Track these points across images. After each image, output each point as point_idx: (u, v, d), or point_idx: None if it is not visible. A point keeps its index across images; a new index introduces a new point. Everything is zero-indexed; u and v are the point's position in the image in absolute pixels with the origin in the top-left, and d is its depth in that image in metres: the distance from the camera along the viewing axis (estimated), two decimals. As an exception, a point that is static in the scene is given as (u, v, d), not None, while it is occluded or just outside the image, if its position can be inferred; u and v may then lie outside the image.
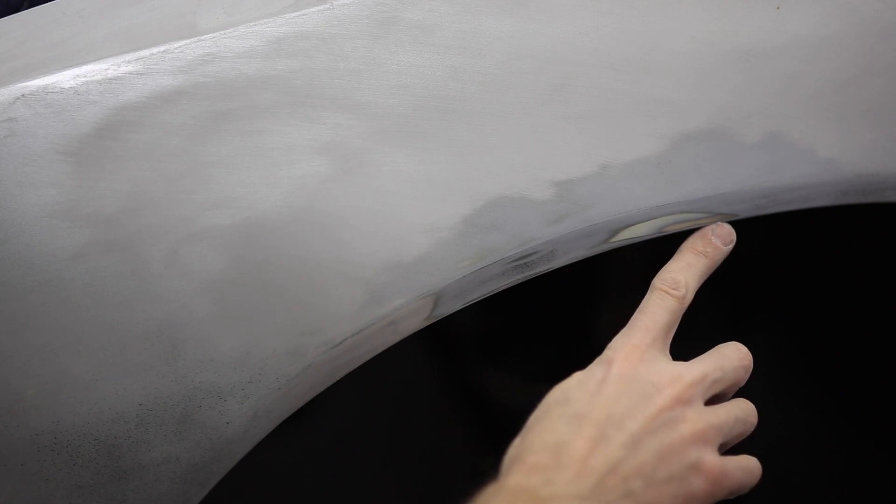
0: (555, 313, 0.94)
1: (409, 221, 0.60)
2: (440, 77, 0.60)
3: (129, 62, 0.57)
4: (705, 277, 0.62)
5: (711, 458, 0.53)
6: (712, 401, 0.57)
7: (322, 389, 0.62)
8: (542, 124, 0.62)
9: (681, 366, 0.56)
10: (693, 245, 0.63)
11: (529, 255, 0.63)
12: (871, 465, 1.02)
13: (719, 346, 0.59)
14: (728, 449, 0.57)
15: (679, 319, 0.59)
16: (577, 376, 0.56)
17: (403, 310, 0.61)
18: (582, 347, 0.96)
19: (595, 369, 0.56)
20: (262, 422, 0.61)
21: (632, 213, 0.64)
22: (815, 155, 0.67)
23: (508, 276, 0.64)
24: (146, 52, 0.57)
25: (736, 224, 0.69)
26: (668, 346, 0.58)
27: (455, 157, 0.60)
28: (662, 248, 0.70)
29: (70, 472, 0.59)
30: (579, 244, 0.64)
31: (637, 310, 0.59)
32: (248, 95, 0.58)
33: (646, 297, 0.60)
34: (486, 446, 0.92)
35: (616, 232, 0.65)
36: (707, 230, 0.64)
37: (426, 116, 0.60)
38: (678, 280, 0.60)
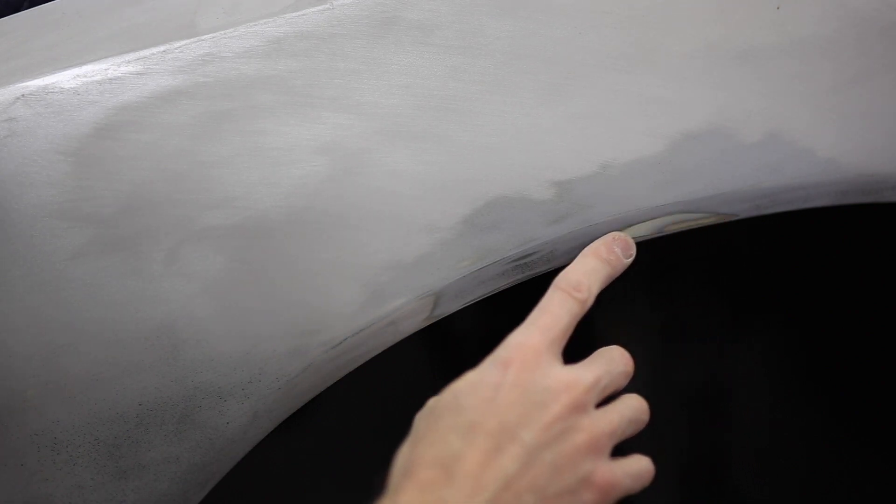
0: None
1: (409, 221, 0.60)
2: (440, 77, 0.60)
3: (129, 62, 0.57)
4: (605, 285, 0.60)
5: (603, 471, 0.53)
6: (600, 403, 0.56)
7: (322, 389, 0.62)
8: (542, 124, 0.62)
9: (574, 371, 0.55)
10: (597, 250, 0.61)
11: (529, 255, 0.63)
12: (872, 464, 1.02)
13: (603, 349, 0.58)
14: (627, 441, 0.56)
15: (576, 323, 0.57)
16: (470, 378, 0.54)
17: (403, 310, 0.61)
18: (582, 347, 0.96)
19: (490, 371, 0.53)
20: (262, 422, 0.61)
21: (632, 213, 0.64)
22: (815, 155, 0.67)
23: (508, 276, 0.64)
24: (146, 52, 0.57)
25: (736, 224, 0.68)
26: (562, 348, 0.56)
27: (455, 157, 0.60)
28: (662, 248, 0.70)
29: (70, 472, 0.59)
30: (579, 244, 0.64)
31: (536, 307, 0.57)
32: (248, 95, 0.58)
33: (546, 295, 0.57)
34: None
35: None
36: (609, 238, 0.62)
37: (426, 116, 0.60)
38: (582, 283, 0.58)
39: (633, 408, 0.57)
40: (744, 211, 0.68)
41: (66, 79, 0.56)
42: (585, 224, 0.63)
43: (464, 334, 0.88)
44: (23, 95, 0.55)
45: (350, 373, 0.63)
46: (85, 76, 0.56)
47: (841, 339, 0.96)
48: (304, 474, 0.87)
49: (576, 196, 0.63)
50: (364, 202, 0.59)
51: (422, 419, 0.54)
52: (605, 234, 0.64)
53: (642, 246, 0.67)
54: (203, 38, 0.58)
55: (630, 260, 0.62)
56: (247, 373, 0.59)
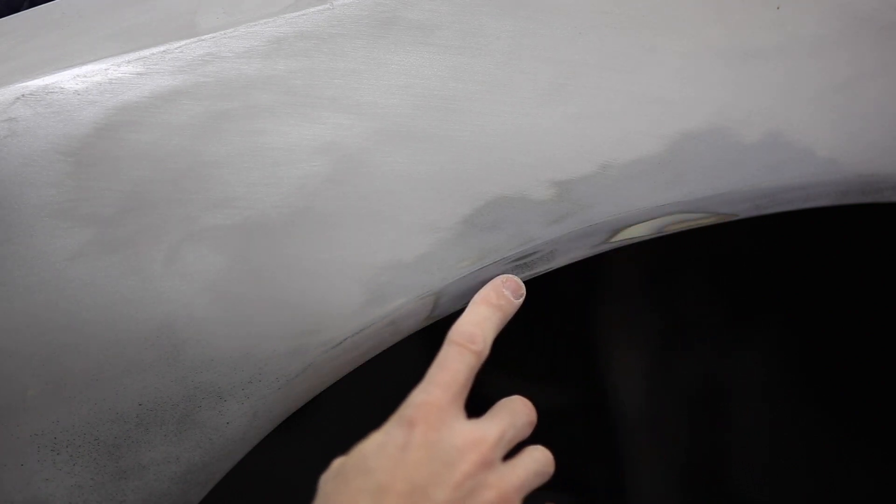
0: (555, 313, 0.94)
1: (409, 221, 0.60)
2: (440, 77, 0.60)
3: (129, 62, 0.57)
4: (499, 330, 0.60)
5: None
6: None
7: (322, 389, 0.62)
8: (542, 124, 0.62)
9: (479, 426, 0.55)
10: (487, 297, 0.61)
11: (529, 255, 0.63)
12: (872, 465, 1.02)
13: (505, 400, 0.58)
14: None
15: (474, 374, 0.57)
16: (376, 438, 0.54)
17: (403, 310, 0.61)
18: (582, 347, 0.96)
19: (395, 432, 0.53)
20: (262, 422, 0.61)
21: (632, 213, 0.64)
22: (815, 155, 0.67)
23: (508, 276, 0.64)
24: (146, 52, 0.57)
25: (736, 224, 0.69)
26: (464, 401, 0.56)
27: (455, 157, 0.60)
28: (662, 248, 0.70)
29: (70, 472, 0.59)
30: (579, 244, 0.64)
31: (433, 363, 0.57)
32: (248, 95, 0.58)
33: (442, 350, 0.57)
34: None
35: (616, 232, 0.65)
36: (498, 283, 0.62)
37: (426, 116, 0.60)
38: (475, 334, 0.58)
39: (539, 460, 0.57)
40: (744, 211, 0.68)
41: (66, 79, 0.56)
42: (585, 224, 0.63)
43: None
44: (23, 95, 0.55)
45: (350, 373, 0.63)
46: (85, 76, 0.56)
47: (841, 339, 0.96)
48: (304, 474, 0.87)
49: (576, 196, 0.63)
50: (364, 202, 0.59)
51: (328, 481, 0.54)
52: (605, 233, 0.64)
53: (642, 246, 0.67)
54: (203, 38, 0.58)
55: (521, 300, 0.62)
56: (247, 373, 0.59)
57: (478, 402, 0.58)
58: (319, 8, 0.59)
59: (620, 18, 0.63)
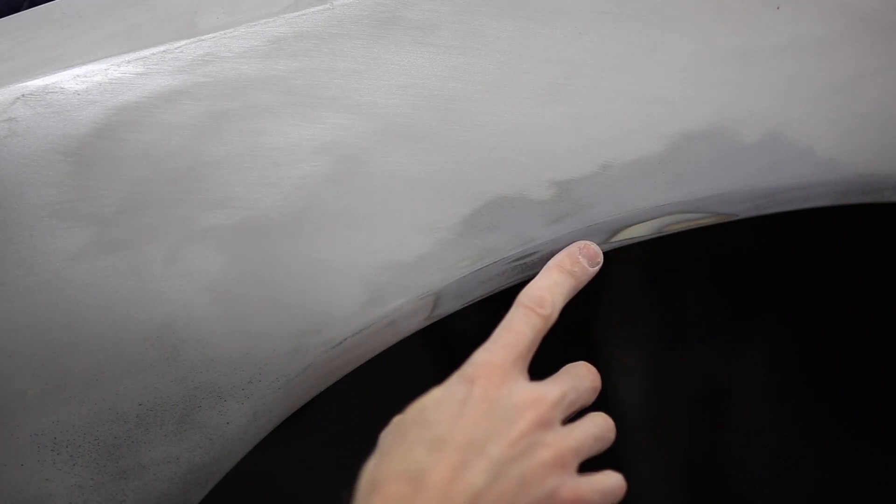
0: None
1: (409, 221, 0.60)
2: (440, 77, 0.60)
3: (129, 62, 0.57)
4: (570, 297, 0.60)
5: (569, 485, 0.53)
6: (567, 420, 0.56)
7: (322, 389, 0.62)
8: (542, 124, 0.62)
9: (540, 387, 0.55)
10: (561, 263, 0.61)
11: (529, 255, 0.63)
12: (872, 464, 1.02)
13: (570, 365, 0.58)
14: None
15: (541, 338, 0.57)
16: (436, 394, 0.54)
17: (403, 310, 0.61)
18: (582, 347, 0.96)
19: (456, 388, 0.54)
20: (262, 422, 0.61)
21: (632, 213, 0.64)
22: (815, 155, 0.67)
23: (508, 276, 0.64)
24: (146, 52, 0.57)
25: (736, 224, 0.69)
26: (528, 364, 0.57)
27: (455, 157, 0.60)
28: (662, 248, 0.70)
29: (70, 472, 0.59)
30: (579, 244, 0.64)
31: (500, 324, 0.57)
32: (248, 95, 0.58)
33: (510, 312, 0.58)
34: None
35: (616, 232, 0.65)
36: (574, 249, 0.62)
37: (426, 116, 0.60)
38: (545, 298, 0.58)
39: (599, 426, 0.57)
40: (744, 211, 0.68)
41: (66, 79, 0.56)
42: (585, 224, 0.63)
43: (464, 334, 0.88)
44: (23, 95, 0.55)
45: (350, 373, 0.63)
46: (85, 76, 0.56)
47: (841, 339, 0.96)
48: (304, 474, 0.87)
49: (576, 196, 0.63)
50: (364, 202, 0.59)
51: (387, 435, 0.54)
52: (605, 233, 0.64)
53: (642, 246, 0.67)
54: (203, 38, 0.58)
55: (597, 268, 0.62)
56: (247, 373, 0.59)
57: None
58: (319, 8, 0.59)
59: (620, 18, 0.63)
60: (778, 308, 0.96)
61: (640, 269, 0.94)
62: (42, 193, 0.55)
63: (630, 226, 0.65)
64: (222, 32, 0.58)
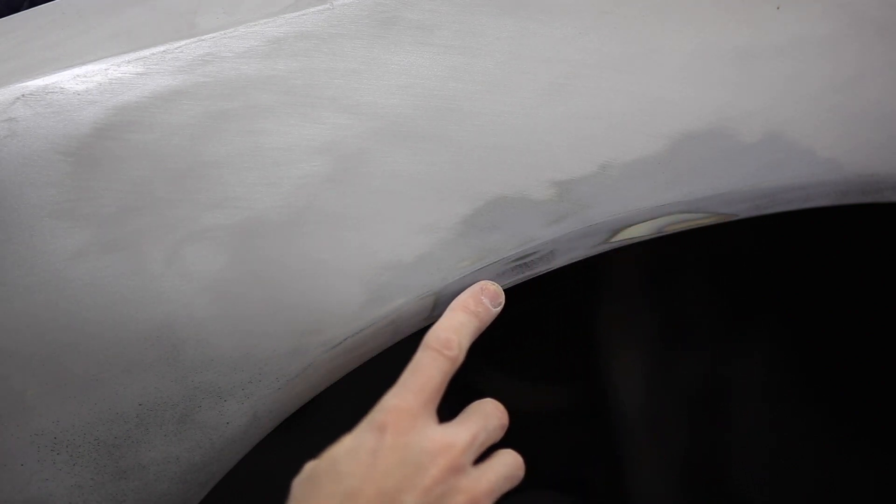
0: (555, 313, 0.94)
1: (409, 221, 0.60)
2: (440, 77, 0.60)
3: (129, 62, 0.57)
4: (475, 337, 0.60)
5: None
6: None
7: (322, 389, 0.62)
8: (542, 124, 0.62)
9: (450, 430, 0.55)
10: (465, 304, 0.61)
11: (529, 255, 0.63)
12: (872, 465, 1.02)
13: (477, 403, 0.58)
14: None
15: (448, 380, 0.57)
16: (346, 443, 0.54)
17: (403, 310, 0.61)
18: (582, 347, 0.96)
19: (365, 436, 0.54)
20: (262, 422, 0.61)
21: (632, 213, 0.64)
22: (815, 155, 0.67)
23: (508, 276, 0.64)
24: (146, 52, 0.57)
25: (736, 224, 0.68)
26: (436, 406, 0.57)
27: (455, 157, 0.61)
28: (662, 248, 0.70)
29: (70, 472, 0.59)
30: (579, 244, 0.64)
31: (407, 368, 0.57)
32: (248, 95, 0.58)
33: (417, 354, 0.58)
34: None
35: (616, 232, 0.65)
36: (477, 289, 0.62)
37: (426, 116, 0.60)
38: (451, 340, 0.58)
39: (509, 465, 0.57)
40: (744, 211, 0.68)
41: (66, 79, 0.56)
42: (585, 224, 0.63)
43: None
44: (23, 95, 0.55)
45: (350, 373, 0.63)
46: (85, 76, 0.56)
47: (841, 339, 0.96)
48: None
49: (576, 196, 0.63)
50: (364, 202, 0.59)
51: (299, 486, 0.54)
52: (605, 233, 0.64)
53: (642, 246, 0.67)
54: (203, 38, 0.58)
55: (499, 308, 0.62)
56: (247, 373, 0.59)
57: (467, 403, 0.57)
58: (319, 8, 0.59)
59: (620, 18, 0.63)
60: (778, 308, 0.96)
61: (640, 269, 0.94)
62: (42, 193, 0.55)
63: (630, 226, 0.65)
64: (222, 32, 0.58)
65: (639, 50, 0.63)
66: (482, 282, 0.62)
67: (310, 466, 0.55)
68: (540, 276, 0.65)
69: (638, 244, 0.66)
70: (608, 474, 1.02)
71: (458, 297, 0.61)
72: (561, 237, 0.63)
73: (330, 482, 0.52)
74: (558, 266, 0.65)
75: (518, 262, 0.63)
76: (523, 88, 0.61)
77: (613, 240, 0.65)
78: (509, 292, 0.65)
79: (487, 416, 0.57)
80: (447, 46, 0.60)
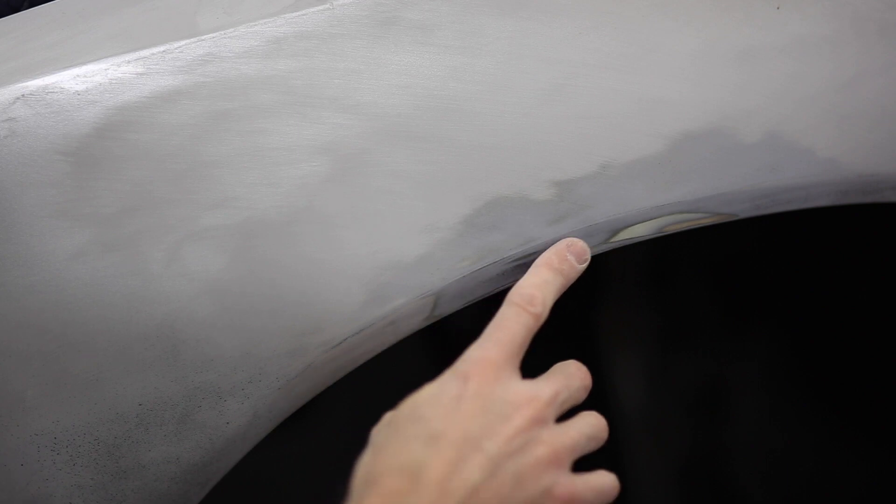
0: (554, 313, 0.94)
1: (409, 221, 0.60)
2: (440, 77, 0.60)
3: (129, 62, 0.57)
4: (559, 294, 0.60)
5: (564, 483, 0.53)
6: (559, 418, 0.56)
7: (322, 389, 0.62)
8: (542, 124, 0.62)
9: (534, 385, 0.55)
10: (549, 261, 0.60)
11: (529, 255, 0.63)
12: (872, 465, 1.02)
13: (561, 364, 0.58)
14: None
15: (532, 336, 0.57)
16: (430, 390, 0.54)
17: (403, 310, 0.61)
18: (582, 347, 0.96)
19: (449, 384, 0.54)
20: (262, 422, 0.61)
21: (632, 213, 0.64)
22: (815, 155, 0.67)
23: (508, 276, 0.64)
24: (146, 52, 0.57)
25: (736, 224, 0.69)
26: (520, 362, 0.57)
27: (455, 157, 0.60)
28: (662, 248, 0.70)
29: (70, 472, 0.59)
30: (579, 244, 0.64)
31: (492, 322, 0.57)
32: (248, 95, 0.58)
33: (501, 309, 0.58)
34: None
35: (616, 232, 0.65)
36: (563, 246, 0.61)
37: (426, 116, 0.60)
38: (535, 296, 0.58)
39: (593, 425, 0.57)
40: (744, 211, 0.68)
41: (66, 79, 0.56)
42: (585, 224, 0.63)
43: (464, 334, 0.88)
44: (23, 95, 0.55)
45: (350, 373, 0.63)
46: (85, 76, 0.56)
47: (841, 339, 0.96)
48: (304, 474, 0.87)
49: (576, 196, 0.63)
50: (364, 202, 0.59)
51: (381, 431, 0.54)
52: (605, 233, 0.64)
53: (642, 246, 0.67)
54: (203, 38, 0.58)
55: (584, 265, 0.62)
56: (247, 373, 0.59)
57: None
58: (319, 8, 0.59)
59: (620, 18, 0.63)
60: (778, 308, 0.96)
61: (640, 269, 0.94)
62: (42, 193, 0.55)
63: (630, 226, 0.65)
64: (222, 32, 0.58)
65: (639, 50, 0.63)
66: (569, 238, 0.62)
67: (389, 415, 0.55)
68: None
69: (638, 244, 0.66)
70: (608, 474, 1.02)
71: (544, 253, 0.61)
72: (561, 237, 0.63)
73: (412, 425, 0.52)
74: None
75: (518, 262, 0.63)
76: (523, 88, 0.61)
77: (613, 240, 0.65)
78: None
79: (571, 375, 0.57)
80: (447, 46, 0.60)
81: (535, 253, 0.63)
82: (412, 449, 0.51)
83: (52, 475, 0.59)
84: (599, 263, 0.69)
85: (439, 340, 0.87)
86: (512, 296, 0.58)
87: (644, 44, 0.63)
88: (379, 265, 0.60)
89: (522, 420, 0.53)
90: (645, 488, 1.01)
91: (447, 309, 0.63)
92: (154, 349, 0.58)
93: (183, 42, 0.58)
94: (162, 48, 0.57)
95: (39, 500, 0.59)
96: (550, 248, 0.62)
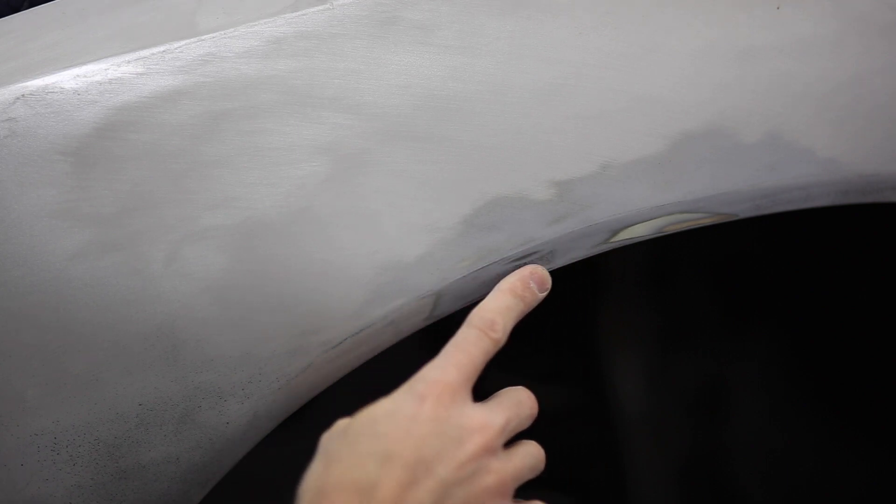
0: (555, 313, 0.94)
1: (409, 221, 0.60)
2: (440, 77, 0.60)
3: (129, 62, 0.57)
4: (518, 321, 0.61)
5: None
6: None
7: (322, 389, 0.62)
8: (542, 124, 0.62)
9: (487, 411, 0.56)
10: (513, 286, 0.61)
11: (529, 255, 0.63)
12: (872, 465, 1.02)
13: (510, 390, 0.59)
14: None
15: (488, 360, 0.58)
16: (386, 406, 0.54)
17: (403, 310, 0.61)
18: (582, 347, 0.96)
19: (406, 403, 0.54)
20: (262, 422, 0.61)
21: (632, 213, 0.64)
22: (815, 155, 0.67)
23: (508, 276, 0.64)
24: (146, 52, 0.57)
25: (736, 224, 0.69)
26: (472, 386, 0.57)
27: (455, 157, 0.60)
28: (662, 248, 0.70)
29: (70, 472, 0.59)
30: (579, 244, 0.64)
31: (451, 342, 0.57)
32: (248, 95, 0.58)
33: (461, 330, 0.58)
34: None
35: (616, 232, 0.65)
36: (526, 273, 0.62)
37: (426, 116, 0.60)
38: (496, 322, 0.58)
39: (534, 455, 0.58)
40: (744, 211, 0.68)
41: (66, 79, 0.56)
42: (585, 224, 0.63)
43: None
44: (23, 95, 0.55)
45: (350, 373, 0.63)
46: (85, 76, 0.56)
47: (841, 339, 0.96)
48: (303, 474, 0.87)
49: (576, 196, 0.63)
50: (364, 202, 0.59)
51: (333, 440, 0.54)
52: (605, 233, 0.64)
53: (642, 246, 0.67)
54: (203, 38, 0.58)
55: (545, 294, 0.62)
56: (247, 373, 0.59)
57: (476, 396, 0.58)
58: (319, 8, 0.59)
59: (620, 18, 0.63)
60: (778, 308, 0.96)
61: (640, 269, 0.94)
62: (42, 193, 0.55)
63: (630, 226, 0.65)
64: (222, 32, 0.58)
65: (639, 50, 0.63)
66: (532, 265, 0.63)
67: (344, 423, 0.55)
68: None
69: (638, 244, 0.66)
70: (608, 475, 1.02)
71: (507, 278, 0.62)
72: (561, 237, 0.63)
73: (367, 441, 0.53)
74: (558, 266, 0.65)
75: (518, 262, 0.63)
76: (523, 88, 0.61)
77: (613, 240, 0.65)
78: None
79: (520, 403, 0.58)
80: (447, 46, 0.60)
81: (535, 253, 0.63)
82: (365, 466, 0.51)
83: (52, 475, 0.59)
84: (599, 263, 0.69)
85: (439, 340, 0.87)
86: (473, 318, 0.58)
87: (644, 44, 0.63)
88: (379, 265, 0.60)
89: (474, 447, 0.53)
90: (645, 488, 1.01)
91: (447, 309, 0.63)
92: (154, 349, 0.58)
93: (183, 42, 0.58)
94: (162, 48, 0.57)
95: (39, 500, 0.59)
96: (514, 274, 0.62)
